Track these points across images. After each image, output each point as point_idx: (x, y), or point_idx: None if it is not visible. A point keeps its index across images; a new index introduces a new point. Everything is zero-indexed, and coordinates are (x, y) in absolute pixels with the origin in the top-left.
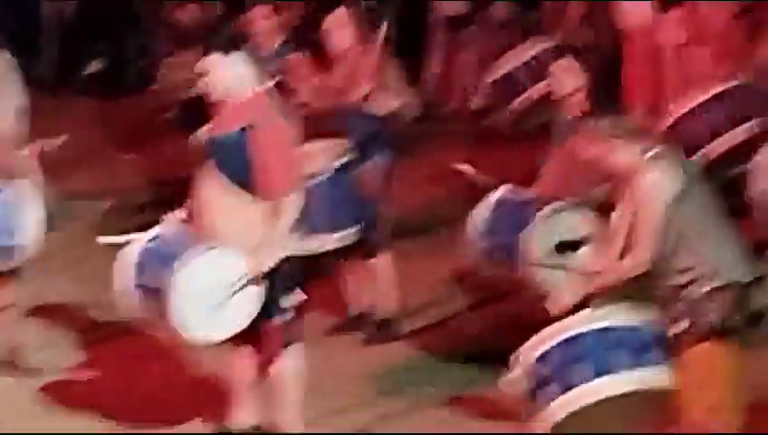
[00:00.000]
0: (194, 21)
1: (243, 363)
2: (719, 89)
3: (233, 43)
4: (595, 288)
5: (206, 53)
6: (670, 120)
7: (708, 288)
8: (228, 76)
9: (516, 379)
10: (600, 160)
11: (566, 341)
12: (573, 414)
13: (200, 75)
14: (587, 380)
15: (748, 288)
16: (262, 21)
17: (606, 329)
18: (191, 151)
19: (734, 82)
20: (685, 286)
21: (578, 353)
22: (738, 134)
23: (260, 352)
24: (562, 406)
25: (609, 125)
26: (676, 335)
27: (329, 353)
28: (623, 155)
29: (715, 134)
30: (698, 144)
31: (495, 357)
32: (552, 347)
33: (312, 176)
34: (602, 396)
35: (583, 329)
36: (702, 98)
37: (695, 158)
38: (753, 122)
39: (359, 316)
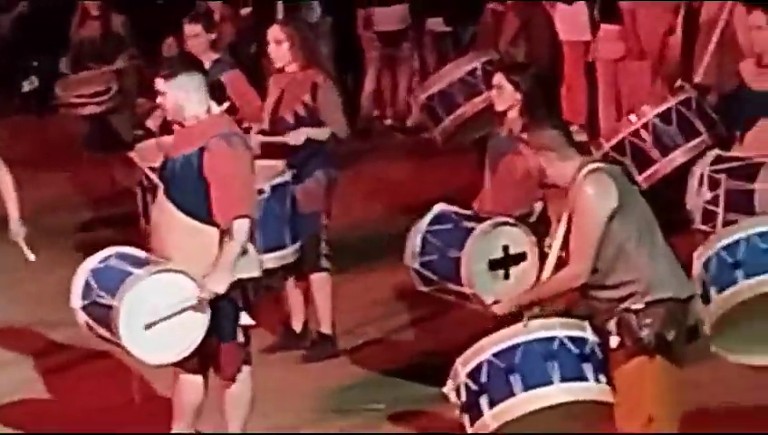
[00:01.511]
0: (94, 38)
1: (192, 386)
2: (667, 105)
3: (178, 67)
4: (532, 300)
5: (159, 76)
6: (619, 137)
7: (643, 304)
8: (172, 101)
9: (452, 392)
10: (539, 172)
11: (498, 353)
12: (512, 426)
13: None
14: (518, 392)
15: (685, 303)
16: (192, 39)
17: (539, 341)
18: (120, 168)
19: (681, 98)
20: (621, 300)
21: (510, 366)
22: (690, 149)
23: (209, 375)
24: (495, 418)
25: (549, 137)
26: (610, 350)
27: (268, 371)
28: (562, 168)
29: (666, 151)
30: (648, 161)
31: (436, 373)
32: (485, 360)
33: None
34: (533, 408)
35: (516, 341)
36: (650, 114)
37: (646, 174)
38: (703, 137)
39: (298, 334)
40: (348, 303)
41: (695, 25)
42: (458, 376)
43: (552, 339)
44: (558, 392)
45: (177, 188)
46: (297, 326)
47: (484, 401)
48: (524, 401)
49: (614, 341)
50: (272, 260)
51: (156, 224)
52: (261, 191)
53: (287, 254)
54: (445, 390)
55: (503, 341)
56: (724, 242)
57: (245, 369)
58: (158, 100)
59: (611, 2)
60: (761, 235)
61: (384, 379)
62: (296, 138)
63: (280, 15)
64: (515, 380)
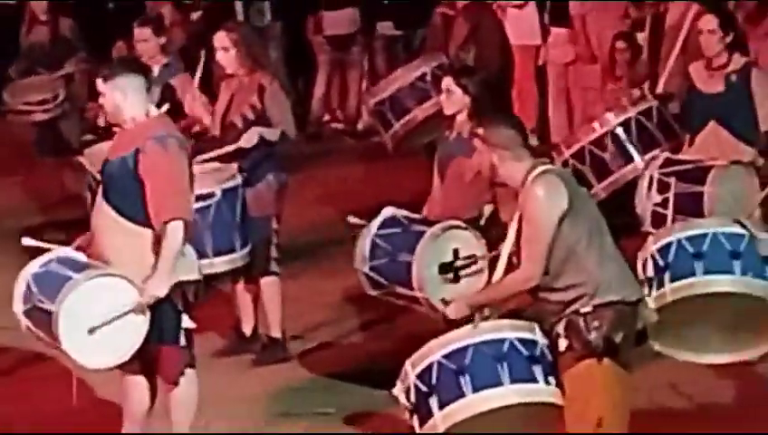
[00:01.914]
0: (43, 43)
1: (136, 390)
2: (628, 114)
3: (119, 69)
4: (484, 302)
5: (99, 76)
6: (579, 144)
7: (591, 307)
8: (110, 101)
9: (402, 394)
10: (490, 170)
11: (448, 355)
12: (461, 427)
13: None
14: (468, 393)
15: (633, 306)
16: (142, 43)
17: (489, 343)
18: (70, 173)
19: (643, 108)
20: (569, 303)
21: (460, 367)
22: (647, 161)
23: (153, 379)
24: (444, 419)
25: (505, 136)
26: (559, 352)
27: (217, 376)
28: (514, 168)
29: (625, 161)
30: (608, 170)
31: (386, 376)
32: (435, 361)
33: (196, 200)
34: (482, 409)
35: (466, 343)
36: (612, 123)
37: (605, 183)
38: (663, 148)
39: (248, 337)
40: (298, 307)
41: (660, 31)
42: (408, 377)
43: (502, 341)
44: (508, 394)
45: (114, 191)
46: (247, 330)
47: (433, 402)
48: (474, 403)
49: (563, 344)
50: (222, 264)
51: (95, 227)
52: (212, 195)
53: (237, 257)
54: (394, 391)
55: (452, 342)
56: (659, 244)
57: (189, 371)
58: (100, 100)
59: (561, 6)
60: (690, 239)
61: (334, 383)
62: (249, 139)
63: (240, 17)
64: (465, 381)
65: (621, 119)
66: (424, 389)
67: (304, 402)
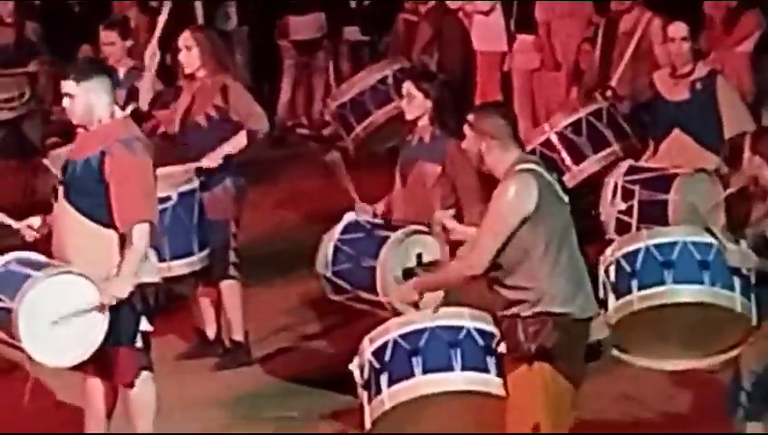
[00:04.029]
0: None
1: (94, 390)
2: (578, 115)
3: (91, 70)
4: (428, 286)
5: (65, 78)
6: (531, 146)
7: (530, 312)
8: (83, 103)
9: (357, 369)
10: (477, 158)
11: (405, 335)
12: (404, 412)
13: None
14: (418, 374)
15: (582, 322)
16: (108, 46)
17: (446, 328)
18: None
19: (592, 109)
20: (513, 303)
21: (415, 348)
22: (600, 159)
23: (110, 380)
24: (391, 397)
25: (495, 125)
26: (500, 353)
27: (180, 379)
28: (501, 158)
29: (576, 161)
30: (559, 171)
31: (348, 381)
32: (391, 339)
33: (159, 201)
34: (429, 392)
35: (424, 326)
36: (562, 124)
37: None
38: (613, 147)
39: (211, 341)
40: (261, 311)
41: (612, 36)
42: (364, 353)
43: (459, 328)
44: (457, 380)
45: (76, 191)
46: (210, 334)
47: (383, 379)
48: (422, 384)
49: (503, 346)
50: (180, 267)
51: (56, 227)
52: (168, 198)
53: (195, 261)
54: (351, 366)
55: (411, 323)
56: (625, 250)
57: (145, 374)
58: (65, 103)
59: (527, 13)
60: (658, 246)
61: (297, 387)
62: (213, 159)
63: (200, 20)
64: (417, 362)
65: (571, 120)
66: (377, 365)
67: (268, 406)
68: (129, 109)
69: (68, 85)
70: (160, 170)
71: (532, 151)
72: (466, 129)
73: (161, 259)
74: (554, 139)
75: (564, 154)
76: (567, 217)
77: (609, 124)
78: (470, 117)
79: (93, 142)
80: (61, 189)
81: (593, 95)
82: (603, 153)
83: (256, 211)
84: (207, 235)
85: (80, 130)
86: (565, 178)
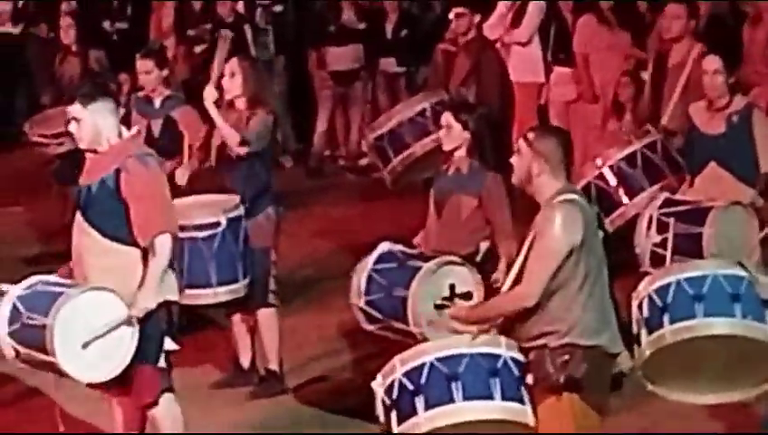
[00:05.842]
0: (75, 74)
1: (119, 408)
2: (632, 148)
3: (96, 92)
4: (474, 319)
5: (70, 102)
6: (585, 180)
7: (559, 344)
8: (90, 126)
9: (380, 388)
10: (526, 176)
11: (443, 359)
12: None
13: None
14: (458, 400)
15: (609, 356)
16: (144, 75)
17: (485, 356)
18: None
19: (647, 141)
20: (542, 335)
21: (454, 373)
22: (653, 194)
23: (132, 398)
24: (429, 420)
25: (551, 149)
26: (529, 385)
27: (214, 408)
28: (547, 183)
29: (631, 194)
30: (614, 204)
31: None
32: (428, 362)
33: (201, 229)
34: (471, 418)
35: (462, 351)
36: (616, 157)
37: (612, 217)
38: (667, 181)
39: (245, 370)
40: (295, 340)
41: (663, 69)
42: (394, 373)
43: (497, 356)
44: (497, 409)
45: (95, 213)
46: (245, 362)
47: (419, 401)
48: (463, 410)
49: (530, 377)
50: (225, 293)
51: (76, 249)
52: (218, 224)
53: (240, 287)
54: (374, 384)
55: (448, 348)
56: (657, 285)
57: (167, 396)
58: (71, 128)
59: (564, 45)
60: (689, 280)
61: (330, 416)
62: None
63: (252, 49)
64: (457, 387)
65: (625, 153)
66: (410, 386)
67: None
68: (135, 130)
69: (75, 109)
70: (207, 196)
71: (586, 186)
72: (522, 145)
73: (207, 285)
74: (608, 172)
75: (619, 188)
76: (602, 248)
77: (663, 156)
78: (530, 134)
79: (105, 163)
80: (78, 216)
81: (645, 128)
82: (659, 186)
83: (292, 240)
84: (248, 263)
85: (88, 155)
86: (620, 211)
